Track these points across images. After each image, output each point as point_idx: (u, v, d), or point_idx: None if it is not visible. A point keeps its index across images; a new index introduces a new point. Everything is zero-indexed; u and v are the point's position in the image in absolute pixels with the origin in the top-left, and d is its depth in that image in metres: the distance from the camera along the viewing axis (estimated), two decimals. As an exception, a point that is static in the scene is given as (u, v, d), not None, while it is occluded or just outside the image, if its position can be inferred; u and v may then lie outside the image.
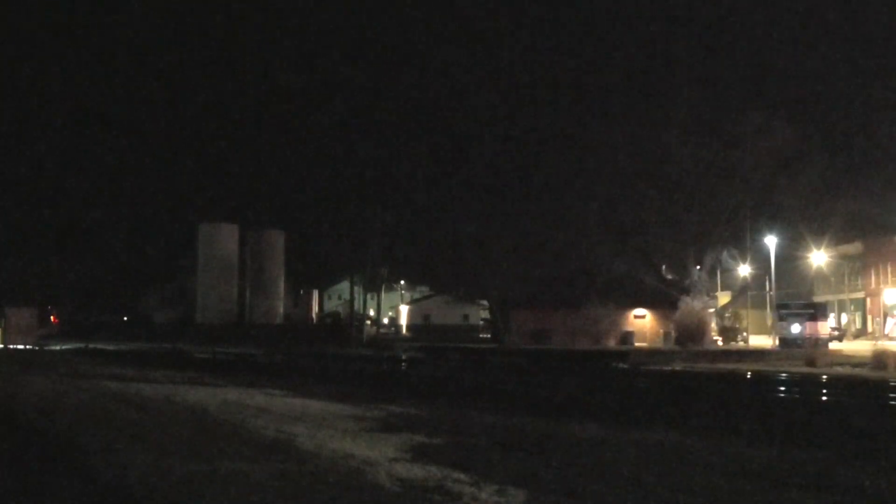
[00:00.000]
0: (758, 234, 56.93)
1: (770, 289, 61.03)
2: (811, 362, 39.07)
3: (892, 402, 22.85)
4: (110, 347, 66.27)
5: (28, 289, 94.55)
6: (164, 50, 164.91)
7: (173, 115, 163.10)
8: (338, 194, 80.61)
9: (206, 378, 28.96)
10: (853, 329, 75.22)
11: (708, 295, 59.14)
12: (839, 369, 36.55)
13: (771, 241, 54.98)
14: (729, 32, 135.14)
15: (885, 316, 69.15)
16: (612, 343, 59.60)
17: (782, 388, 27.66)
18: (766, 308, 67.81)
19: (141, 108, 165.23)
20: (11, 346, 66.79)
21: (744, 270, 63.39)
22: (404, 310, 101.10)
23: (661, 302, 59.49)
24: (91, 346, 67.96)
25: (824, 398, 23.96)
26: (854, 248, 71.55)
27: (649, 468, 10.65)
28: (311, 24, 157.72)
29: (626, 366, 41.71)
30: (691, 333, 54.47)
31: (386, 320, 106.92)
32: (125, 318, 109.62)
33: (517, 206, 64.76)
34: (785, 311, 53.99)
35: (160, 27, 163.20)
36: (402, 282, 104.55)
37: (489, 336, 74.92)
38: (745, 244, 58.59)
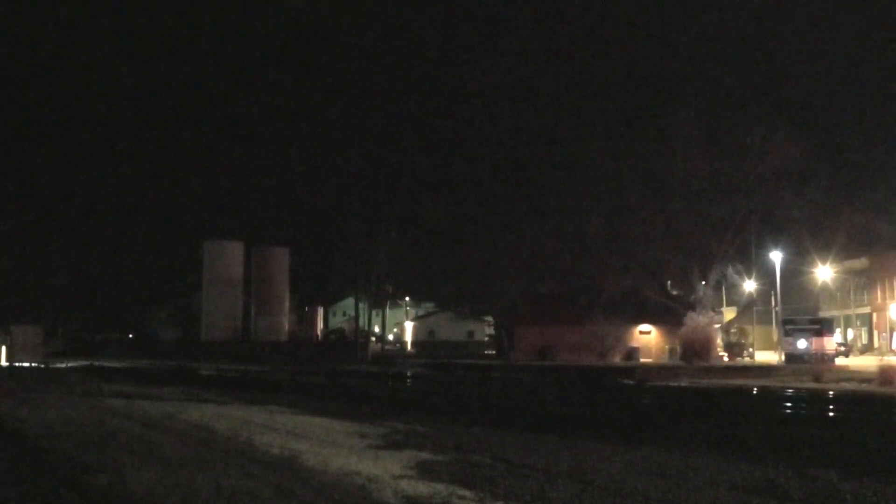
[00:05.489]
0: (763, 249, 56.79)
1: (776, 304, 60.85)
2: (817, 378, 38.94)
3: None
4: (116, 365, 66.26)
5: (34, 307, 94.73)
6: (168, 67, 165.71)
7: (178, 132, 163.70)
8: (343, 211, 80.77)
9: (210, 395, 28.94)
10: (859, 344, 74.98)
11: (713, 310, 58.90)
12: (846, 385, 36.42)
13: (776, 257, 54.88)
14: (733, 46, 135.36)
15: (892, 331, 68.94)
16: (617, 359, 59.43)
17: (789, 404, 27.58)
18: (771, 323, 67.63)
19: (146, 125, 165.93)
20: (17, 364, 66.74)
21: (749, 286, 63.21)
22: (409, 326, 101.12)
23: (667, 317, 59.29)
24: (97, 363, 67.96)
25: (831, 414, 23.86)
26: (860, 263, 71.41)
27: (656, 485, 10.62)
28: (317, 42, 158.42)
29: (631, 382, 41.60)
30: (697, 349, 54.26)
31: (391, 336, 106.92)
32: (131, 336, 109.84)
33: (522, 223, 64.73)
34: (791, 326, 53.80)
35: (165, 43, 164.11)
36: (407, 298, 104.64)
37: (494, 352, 74.77)
38: (751, 259, 58.45)
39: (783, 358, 53.30)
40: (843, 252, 59.03)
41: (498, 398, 30.39)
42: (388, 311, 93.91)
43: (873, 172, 58.32)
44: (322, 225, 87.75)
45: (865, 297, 74.96)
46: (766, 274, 59.68)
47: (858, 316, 76.67)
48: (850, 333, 77.30)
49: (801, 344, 51.79)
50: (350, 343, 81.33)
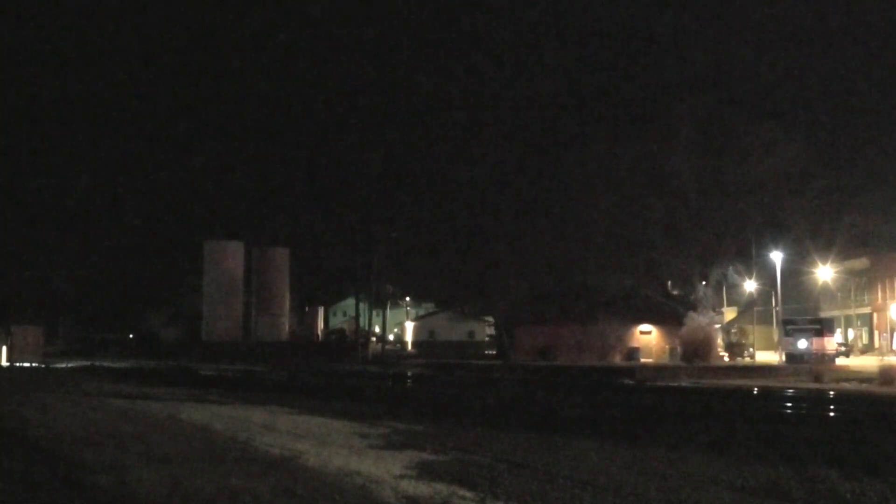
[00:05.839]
0: (763, 249, 56.81)
1: (776, 304, 60.85)
2: (818, 378, 38.97)
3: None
4: (116, 365, 66.30)
5: (34, 307, 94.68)
6: (168, 67, 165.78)
7: (178, 133, 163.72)
8: (343, 211, 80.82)
9: (211, 395, 28.94)
10: (860, 344, 74.93)
11: (714, 310, 58.94)
12: (846, 385, 36.43)
13: (777, 257, 54.88)
14: (735, 47, 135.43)
15: (892, 331, 68.89)
16: (618, 359, 59.41)
17: (789, 404, 27.57)
18: (772, 323, 67.61)
19: (146, 126, 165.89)
20: (18, 365, 66.77)
21: (750, 286, 63.22)
22: (409, 326, 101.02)
23: (667, 317, 59.31)
24: (97, 363, 67.97)
25: (831, 414, 23.85)
26: (860, 263, 71.37)
27: (656, 484, 10.62)
28: (318, 43, 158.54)
29: (632, 382, 41.59)
30: (697, 349, 54.28)
31: (391, 337, 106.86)
32: (131, 336, 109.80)
33: (522, 223, 64.79)
34: (791, 326, 53.80)
35: (166, 43, 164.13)
36: (408, 298, 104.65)
37: (495, 352, 74.76)
38: (751, 259, 58.49)
39: (783, 358, 53.30)
40: (844, 252, 59.04)
41: (498, 398, 30.37)
42: (388, 311, 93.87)
43: (874, 172, 58.31)
44: (322, 225, 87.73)
45: (866, 297, 74.89)
46: (766, 274, 59.69)
47: (859, 316, 76.63)
48: (851, 334, 77.26)
49: (802, 344, 51.78)
50: (350, 343, 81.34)
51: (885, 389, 33.04)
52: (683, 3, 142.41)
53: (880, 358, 55.48)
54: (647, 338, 62.11)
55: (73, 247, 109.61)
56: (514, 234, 64.38)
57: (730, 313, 70.05)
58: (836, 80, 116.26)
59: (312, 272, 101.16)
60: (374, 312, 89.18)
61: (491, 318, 78.95)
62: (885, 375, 35.90)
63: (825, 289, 71.63)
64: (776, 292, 58.61)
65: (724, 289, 67.47)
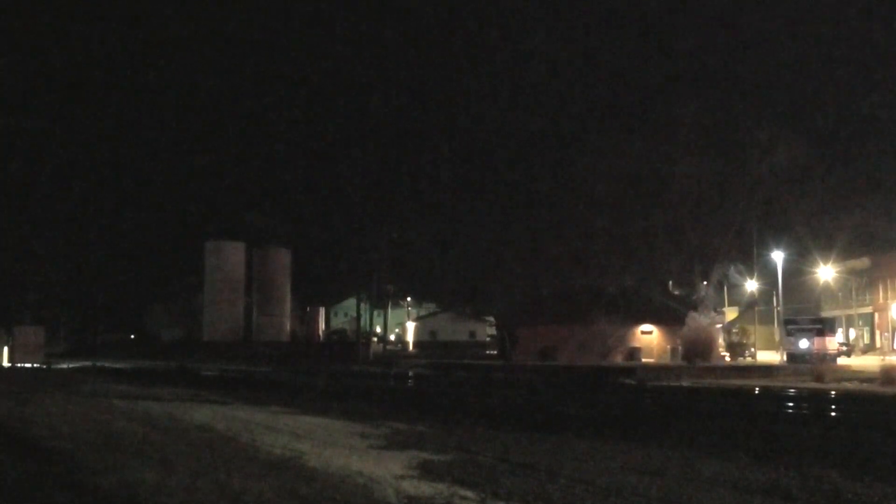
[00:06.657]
0: (765, 249, 56.80)
1: (777, 304, 60.83)
2: (819, 378, 38.93)
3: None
4: (117, 365, 66.36)
5: (36, 308, 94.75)
6: (169, 65, 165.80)
7: (179, 133, 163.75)
8: (344, 212, 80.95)
9: (212, 396, 28.93)
10: (861, 344, 74.93)
11: (715, 310, 58.86)
12: (847, 385, 36.41)
13: (778, 257, 54.86)
14: (735, 47, 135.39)
15: (894, 331, 68.89)
16: (619, 359, 59.36)
17: (790, 404, 27.58)
18: (773, 323, 67.60)
19: (147, 126, 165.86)
20: (19, 365, 66.83)
21: (751, 286, 63.20)
22: (411, 326, 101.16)
23: (668, 317, 59.27)
24: (98, 364, 68.01)
25: (833, 414, 23.86)
26: (861, 262, 71.39)
27: (657, 484, 10.62)
28: (319, 42, 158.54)
29: (633, 382, 41.57)
30: (698, 349, 54.23)
31: (392, 337, 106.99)
32: (132, 336, 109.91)
33: (523, 223, 64.83)
34: (792, 326, 53.77)
35: (167, 43, 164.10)
36: (409, 298, 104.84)
37: (496, 352, 74.78)
38: (752, 259, 58.47)
39: (785, 358, 53.27)
40: (845, 252, 59.06)
41: (499, 398, 30.39)
42: (389, 311, 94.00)
43: (875, 172, 58.27)
44: (323, 225, 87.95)
45: (867, 296, 74.91)
46: (767, 274, 59.68)
47: (860, 316, 76.63)
48: (852, 333, 77.25)
49: (803, 344, 51.75)
50: (352, 343, 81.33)
51: (886, 389, 33.01)
52: (684, 3, 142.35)
53: (882, 358, 55.43)
54: (648, 338, 62.06)
55: (74, 247, 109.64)
56: (514, 234, 64.41)
57: (731, 313, 69.99)
58: (836, 80, 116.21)
59: (314, 272, 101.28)
60: (376, 313, 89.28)
61: (492, 319, 79.05)
62: (887, 375, 35.86)
63: (826, 288, 71.66)
64: (777, 292, 58.60)
65: (726, 289, 67.40)
